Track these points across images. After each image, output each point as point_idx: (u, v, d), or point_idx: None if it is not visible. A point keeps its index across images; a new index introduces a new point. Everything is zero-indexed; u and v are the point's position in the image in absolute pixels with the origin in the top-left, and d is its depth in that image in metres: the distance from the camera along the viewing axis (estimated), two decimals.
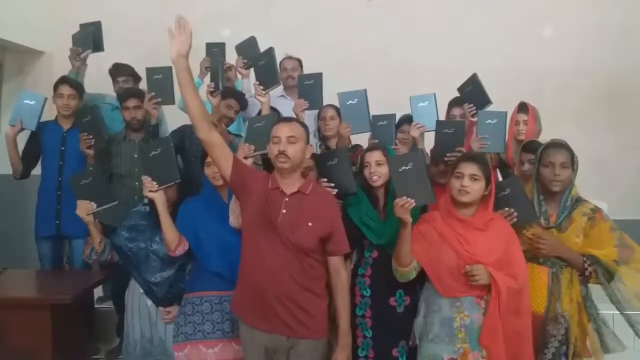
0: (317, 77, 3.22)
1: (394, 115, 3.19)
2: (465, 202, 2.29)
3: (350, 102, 3.08)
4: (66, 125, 3.45)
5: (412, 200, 2.22)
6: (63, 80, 3.45)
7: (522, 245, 2.44)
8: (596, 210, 2.47)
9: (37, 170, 3.52)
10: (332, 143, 3.24)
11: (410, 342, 2.44)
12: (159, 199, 2.45)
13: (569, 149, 2.48)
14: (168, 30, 2.03)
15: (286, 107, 3.51)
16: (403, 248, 2.29)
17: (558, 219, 2.46)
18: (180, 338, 2.51)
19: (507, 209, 2.47)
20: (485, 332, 2.22)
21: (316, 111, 3.40)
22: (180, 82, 2.11)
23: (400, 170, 2.29)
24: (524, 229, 2.48)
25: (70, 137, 3.40)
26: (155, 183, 2.45)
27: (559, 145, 2.48)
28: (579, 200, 2.49)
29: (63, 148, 3.41)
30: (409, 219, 2.24)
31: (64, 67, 3.72)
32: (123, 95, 3.42)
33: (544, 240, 2.38)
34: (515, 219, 2.45)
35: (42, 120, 3.37)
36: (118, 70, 3.83)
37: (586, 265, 2.39)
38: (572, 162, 2.45)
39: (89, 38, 3.65)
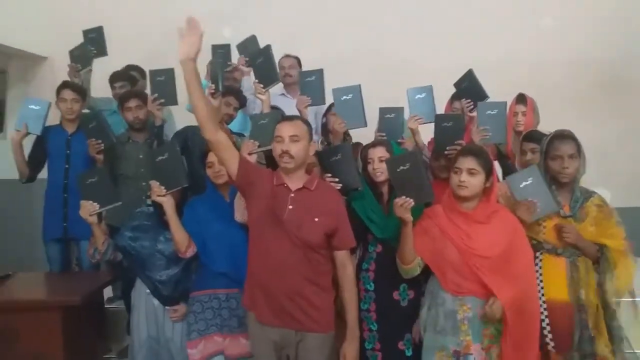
0: (319, 74, 3.21)
1: (402, 109, 3.11)
2: (465, 196, 2.30)
3: (344, 97, 3.06)
4: (71, 129, 3.49)
5: (411, 200, 2.24)
6: (65, 84, 3.49)
7: (537, 235, 2.44)
8: (606, 203, 2.47)
9: (42, 174, 3.55)
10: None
11: (415, 338, 2.46)
12: (168, 203, 2.47)
13: (575, 139, 2.44)
14: (177, 30, 1.98)
15: (287, 105, 3.51)
16: (406, 246, 2.31)
17: (572, 209, 2.45)
18: (194, 335, 2.53)
19: (529, 199, 2.42)
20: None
21: (318, 107, 3.40)
22: (188, 84, 2.07)
23: (398, 170, 2.31)
24: (540, 219, 2.46)
25: (75, 140, 3.44)
26: (163, 188, 2.47)
27: (565, 136, 2.45)
28: (587, 191, 2.49)
29: (68, 151, 3.45)
30: (409, 217, 2.26)
31: (67, 72, 3.74)
32: (124, 97, 3.43)
33: (568, 229, 2.38)
34: (538, 210, 2.41)
35: (47, 124, 3.41)
36: (114, 77, 3.90)
37: (599, 254, 2.41)
38: (579, 151, 2.43)
39: (87, 54, 3.69)
